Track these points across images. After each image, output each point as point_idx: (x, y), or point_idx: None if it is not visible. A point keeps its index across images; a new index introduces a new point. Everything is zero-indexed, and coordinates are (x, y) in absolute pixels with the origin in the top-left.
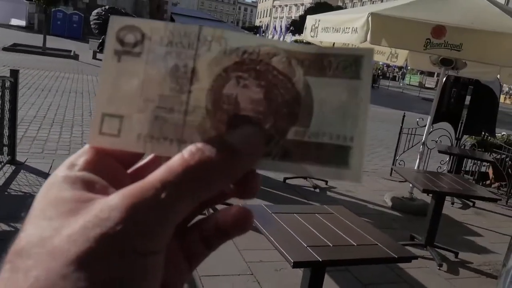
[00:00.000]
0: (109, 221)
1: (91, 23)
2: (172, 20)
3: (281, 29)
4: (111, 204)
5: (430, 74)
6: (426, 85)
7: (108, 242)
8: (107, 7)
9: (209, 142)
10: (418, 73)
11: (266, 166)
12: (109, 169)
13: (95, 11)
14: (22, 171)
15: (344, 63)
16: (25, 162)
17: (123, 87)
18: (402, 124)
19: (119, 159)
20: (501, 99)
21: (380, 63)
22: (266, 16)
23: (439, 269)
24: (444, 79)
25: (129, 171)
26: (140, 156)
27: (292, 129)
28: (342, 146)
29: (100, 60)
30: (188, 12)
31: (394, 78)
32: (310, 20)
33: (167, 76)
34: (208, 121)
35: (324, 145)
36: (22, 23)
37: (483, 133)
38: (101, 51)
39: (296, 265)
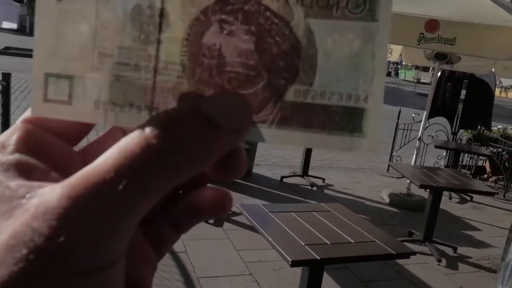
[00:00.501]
0: (42, 233)
1: None
2: None
3: None
4: (47, 204)
5: (425, 69)
6: (421, 80)
7: (41, 264)
8: None
9: (178, 111)
10: (413, 68)
11: (260, 135)
12: (50, 148)
13: None
14: None
15: (356, 0)
16: None
17: (69, 36)
18: (398, 119)
19: (63, 134)
20: (497, 93)
21: None
22: None
23: (438, 264)
24: (439, 73)
25: (78, 149)
26: (89, 128)
27: (291, 87)
28: (354, 108)
29: None
30: None
31: (389, 74)
32: None
33: (127, 21)
34: (185, 81)
35: (331, 108)
36: (14, 26)
37: (479, 127)
38: None
39: (294, 264)
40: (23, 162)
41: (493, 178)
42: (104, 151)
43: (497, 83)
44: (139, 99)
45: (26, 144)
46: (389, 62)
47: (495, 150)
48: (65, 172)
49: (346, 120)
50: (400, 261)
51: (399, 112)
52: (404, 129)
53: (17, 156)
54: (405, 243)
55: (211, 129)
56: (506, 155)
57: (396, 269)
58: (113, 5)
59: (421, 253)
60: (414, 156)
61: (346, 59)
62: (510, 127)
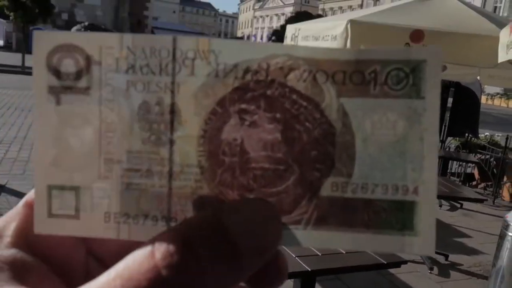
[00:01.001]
0: None
1: None
2: (153, 34)
3: (262, 39)
4: None
5: None
6: None
7: None
8: (86, 23)
9: (195, 229)
10: None
11: (296, 239)
12: (51, 242)
13: (74, 28)
14: (2, 193)
15: (396, 74)
16: (5, 184)
17: (71, 143)
18: None
19: None
20: (483, 100)
21: None
22: (247, 27)
23: (430, 272)
24: None
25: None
26: None
27: (327, 181)
28: (403, 202)
29: None
30: (169, 26)
31: None
32: (290, 29)
33: (134, 122)
34: (204, 185)
35: (375, 202)
36: (0, 42)
37: (466, 134)
38: None
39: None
40: (20, 260)
41: (482, 184)
42: (107, 245)
43: (483, 90)
44: (154, 208)
45: (26, 236)
46: None
47: (483, 157)
48: (66, 274)
49: (395, 217)
50: (392, 270)
51: None
52: None
53: (13, 252)
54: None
55: (232, 253)
56: (494, 162)
57: (389, 278)
58: (117, 104)
59: (413, 261)
60: None
61: (389, 145)
62: (497, 134)
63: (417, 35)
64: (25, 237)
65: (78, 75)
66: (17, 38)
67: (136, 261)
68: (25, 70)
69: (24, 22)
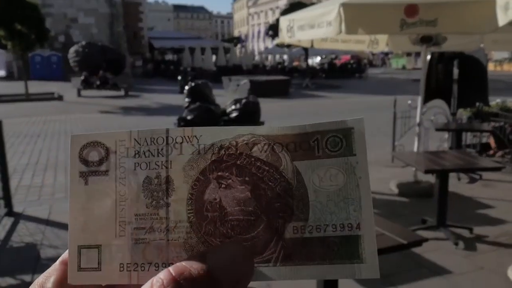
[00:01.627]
0: None
1: (70, 61)
2: (150, 44)
3: (258, 35)
4: None
5: (418, 54)
6: (414, 67)
7: None
8: (83, 43)
9: (183, 269)
10: (405, 56)
11: (267, 275)
12: None
13: (72, 49)
14: (21, 221)
15: (333, 140)
16: (23, 211)
17: (96, 212)
18: (394, 108)
19: None
20: (491, 67)
21: (366, 51)
22: (243, 26)
23: (455, 248)
24: (429, 56)
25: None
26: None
27: (289, 225)
28: (349, 236)
29: (86, 96)
30: (165, 34)
31: (382, 65)
32: (283, 21)
33: (140, 192)
34: (193, 236)
35: (328, 239)
36: (2, 73)
37: (477, 103)
38: (84, 87)
39: None
40: None
41: (500, 153)
42: None
43: (490, 57)
44: (156, 257)
45: (62, 286)
46: (380, 53)
47: (497, 125)
48: None
49: (344, 249)
50: (418, 250)
51: (395, 100)
52: (402, 117)
53: None
54: (419, 231)
55: (213, 284)
56: (509, 128)
57: (415, 259)
58: (128, 180)
59: (437, 238)
60: (416, 142)
61: (334, 193)
62: (509, 100)
63: (411, 9)
64: (61, 285)
65: (100, 162)
66: (17, 66)
67: None
68: (29, 97)
69: (22, 49)
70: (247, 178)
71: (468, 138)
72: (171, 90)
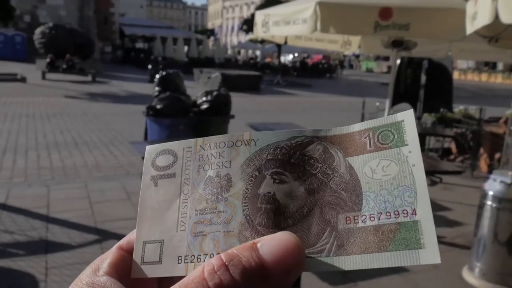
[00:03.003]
0: None
1: (35, 42)
2: (121, 31)
3: (232, 29)
4: None
5: (386, 58)
6: (382, 71)
7: None
8: (51, 24)
9: (234, 256)
10: (373, 59)
11: (322, 265)
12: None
13: (39, 29)
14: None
15: (384, 134)
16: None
17: (161, 210)
18: (363, 109)
19: None
20: (456, 75)
21: (334, 53)
22: (217, 18)
23: None
24: (398, 61)
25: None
26: None
27: (341, 216)
28: (407, 222)
29: (51, 80)
30: (137, 22)
31: (351, 67)
32: (259, 15)
33: (201, 189)
34: (248, 227)
35: (383, 227)
36: None
37: (441, 109)
38: (49, 70)
39: None
40: (109, 285)
41: (460, 158)
42: (174, 281)
43: (455, 66)
44: (212, 249)
45: (117, 268)
46: (352, 55)
47: (459, 131)
48: None
49: (401, 236)
50: None
51: (363, 102)
52: (370, 119)
53: (105, 279)
54: None
55: (263, 273)
56: (470, 135)
57: None
58: (192, 180)
59: None
60: None
61: (387, 182)
62: (471, 107)
63: (386, 12)
64: (116, 269)
65: (169, 166)
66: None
67: (191, 276)
68: None
69: None
70: (300, 174)
71: (431, 142)
72: (140, 79)
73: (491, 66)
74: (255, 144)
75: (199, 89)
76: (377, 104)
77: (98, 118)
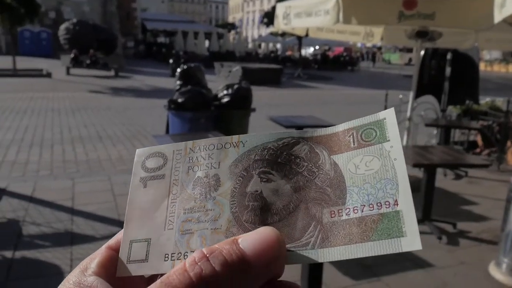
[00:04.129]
0: None
1: (60, 38)
2: (143, 26)
3: (253, 22)
4: None
5: (409, 50)
6: (402, 62)
7: None
8: (75, 20)
9: (215, 249)
10: (398, 51)
11: (305, 258)
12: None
13: (63, 26)
14: (4, 197)
15: (367, 132)
16: (6, 187)
17: (150, 210)
18: (386, 102)
19: None
20: (482, 67)
21: (359, 45)
22: (238, 12)
23: (439, 242)
24: (422, 52)
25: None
26: None
27: (326, 211)
28: (389, 213)
29: (75, 75)
30: (159, 16)
31: (373, 59)
32: (280, 8)
33: (190, 189)
34: (235, 224)
35: (366, 218)
36: None
37: (467, 101)
38: (74, 65)
39: None
40: (96, 285)
41: (486, 151)
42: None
43: (481, 57)
44: (199, 246)
45: (105, 268)
46: (374, 46)
47: (485, 123)
48: None
49: (383, 226)
50: None
51: (386, 94)
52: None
53: (93, 278)
54: None
55: (243, 264)
56: (497, 127)
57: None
58: (181, 181)
59: (421, 232)
60: (405, 136)
61: (370, 176)
62: (498, 99)
63: (410, 1)
64: (105, 268)
65: (159, 168)
66: (6, 41)
67: (174, 269)
68: (16, 73)
69: (10, 24)
70: (286, 173)
71: (456, 135)
72: (162, 73)
73: None
74: (243, 146)
75: (220, 82)
76: (400, 96)
77: (121, 112)
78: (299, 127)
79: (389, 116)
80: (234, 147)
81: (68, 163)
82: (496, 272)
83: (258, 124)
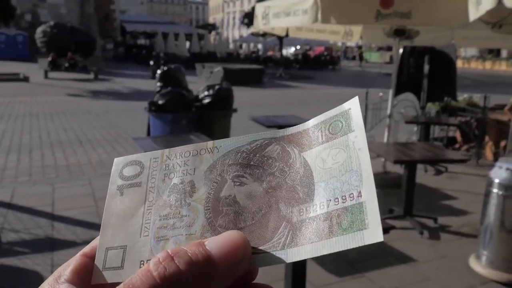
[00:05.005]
0: None
1: (37, 42)
2: (122, 28)
3: (234, 22)
4: None
5: (389, 49)
6: (385, 61)
7: None
8: (52, 23)
9: (180, 249)
10: (376, 50)
11: (275, 259)
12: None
13: (40, 28)
14: None
15: (335, 124)
16: None
17: (126, 217)
18: (366, 100)
19: None
20: (459, 64)
21: (339, 44)
22: (218, 13)
23: (421, 237)
24: (401, 50)
25: None
26: None
27: (295, 209)
28: (353, 206)
29: (53, 79)
30: (138, 18)
31: (354, 58)
32: (259, 8)
33: (166, 196)
34: (209, 229)
35: (331, 213)
36: None
37: (445, 98)
38: (52, 69)
39: None
40: None
41: (465, 146)
42: None
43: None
44: None
45: (79, 275)
46: (355, 45)
47: (463, 119)
48: None
49: (347, 219)
50: (384, 239)
51: (367, 93)
52: (373, 109)
53: (66, 285)
54: (387, 220)
55: (208, 265)
56: (475, 123)
57: (381, 247)
58: (157, 188)
59: (403, 228)
60: (386, 134)
61: (336, 169)
62: (475, 95)
63: (387, 0)
64: (78, 275)
65: (136, 176)
66: None
67: (137, 272)
68: None
69: None
70: (259, 175)
71: (435, 131)
72: (142, 75)
73: (495, 54)
74: (218, 151)
75: (201, 84)
76: (381, 94)
77: (101, 115)
78: (281, 127)
79: (353, 105)
80: (209, 153)
81: (47, 168)
82: (476, 265)
83: (240, 124)
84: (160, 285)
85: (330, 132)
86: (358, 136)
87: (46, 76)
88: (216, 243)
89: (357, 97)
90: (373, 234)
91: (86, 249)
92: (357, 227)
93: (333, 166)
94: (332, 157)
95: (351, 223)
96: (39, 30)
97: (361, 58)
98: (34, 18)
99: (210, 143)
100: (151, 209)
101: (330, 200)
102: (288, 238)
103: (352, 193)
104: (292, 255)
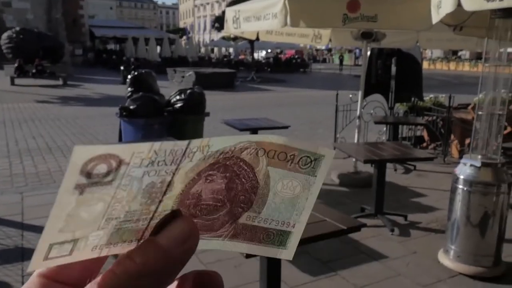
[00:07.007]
0: None
1: (2, 48)
2: (91, 33)
3: (204, 27)
4: None
5: (350, 51)
6: (354, 63)
7: None
8: (17, 28)
9: (139, 245)
10: (346, 52)
11: (214, 245)
12: None
13: (5, 34)
14: None
15: (305, 159)
16: None
17: (82, 215)
18: (337, 102)
19: (74, 285)
20: (426, 65)
21: (308, 47)
22: (189, 17)
23: (391, 234)
24: (369, 52)
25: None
26: (96, 272)
27: (245, 214)
28: (284, 231)
29: (20, 85)
30: (108, 23)
31: (324, 61)
32: (229, 12)
33: (138, 194)
34: None
35: (269, 230)
36: None
37: (412, 99)
38: (18, 75)
39: (249, 256)
40: None
41: (432, 145)
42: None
43: (424, 56)
44: (132, 237)
45: None
46: (326, 48)
47: (430, 119)
48: None
49: (277, 238)
50: (356, 237)
51: (337, 94)
52: (344, 111)
53: None
54: (358, 218)
55: (159, 255)
56: (441, 122)
57: (354, 245)
58: (130, 186)
59: (375, 226)
60: (356, 134)
61: (288, 199)
62: (441, 95)
63: (353, 4)
64: None
65: (108, 174)
66: None
67: (104, 274)
68: None
69: None
70: (227, 174)
71: (404, 131)
72: (113, 81)
73: (458, 55)
74: (208, 150)
75: (173, 88)
76: (350, 96)
77: (71, 122)
78: (254, 130)
79: (327, 156)
80: (200, 151)
81: (16, 176)
82: (445, 259)
83: (213, 128)
84: (118, 277)
85: (299, 165)
86: (316, 183)
87: (12, 83)
88: (170, 231)
89: (334, 151)
90: (287, 253)
91: (43, 269)
92: (281, 246)
93: (287, 195)
94: (290, 187)
95: (278, 241)
96: (5, 36)
97: (341, 62)
98: None
99: (204, 140)
100: (117, 206)
101: (273, 220)
102: (230, 234)
103: (289, 222)
104: (227, 246)
